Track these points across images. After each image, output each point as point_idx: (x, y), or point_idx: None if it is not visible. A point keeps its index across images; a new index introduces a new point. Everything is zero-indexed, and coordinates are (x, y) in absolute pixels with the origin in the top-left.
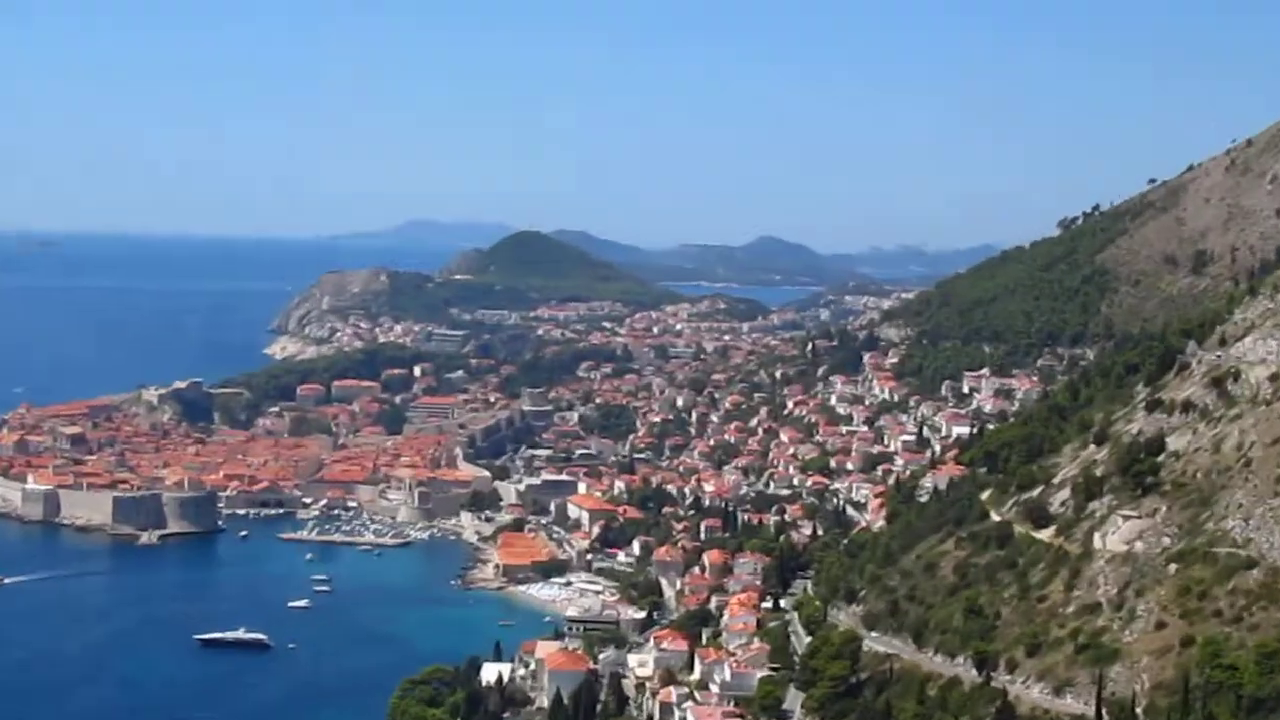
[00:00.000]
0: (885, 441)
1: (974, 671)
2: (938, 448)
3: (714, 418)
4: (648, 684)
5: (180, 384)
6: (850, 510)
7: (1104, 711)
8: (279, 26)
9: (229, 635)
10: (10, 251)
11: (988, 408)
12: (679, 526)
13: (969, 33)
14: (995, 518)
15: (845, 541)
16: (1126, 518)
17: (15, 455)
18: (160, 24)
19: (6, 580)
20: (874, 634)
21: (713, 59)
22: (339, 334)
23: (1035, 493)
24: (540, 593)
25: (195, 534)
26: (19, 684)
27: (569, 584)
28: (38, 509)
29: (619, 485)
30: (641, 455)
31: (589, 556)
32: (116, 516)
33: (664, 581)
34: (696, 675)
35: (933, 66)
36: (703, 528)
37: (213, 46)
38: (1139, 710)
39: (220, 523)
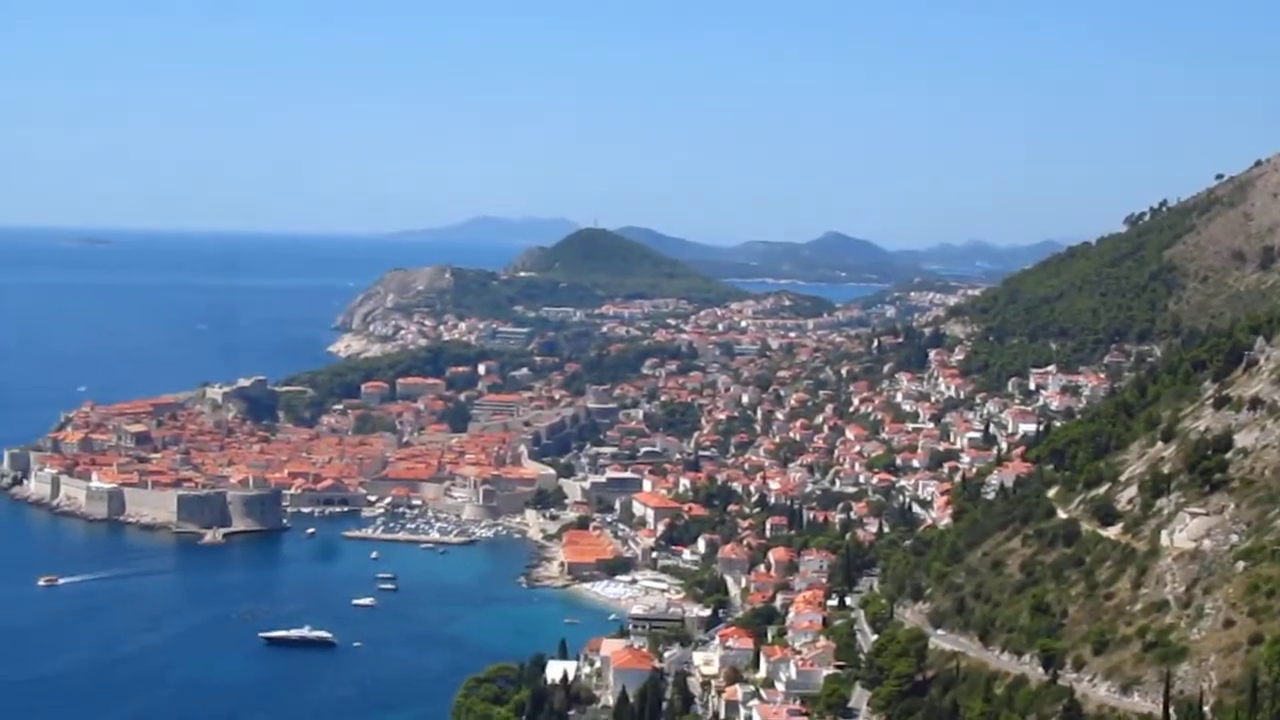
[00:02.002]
0: (951, 439)
1: (1041, 670)
2: (1004, 445)
3: (779, 415)
4: (713, 682)
5: (244, 382)
6: (916, 508)
7: (1172, 710)
8: (347, 21)
9: (294, 634)
10: (60, 249)
11: (1054, 405)
12: (744, 524)
13: (1035, 30)
14: (1062, 515)
15: (911, 539)
16: (1194, 515)
17: (80, 453)
18: (222, 16)
19: (62, 580)
20: (940, 632)
21: (781, 58)
22: (403, 331)
23: (1102, 490)
24: (605, 591)
25: (260, 532)
26: (84, 684)
27: (634, 582)
28: (102, 507)
29: (684, 483)
30: (707, 453)
31: (654, 554)
32: (181, 515)
33: (729, 579)
34: (762, 673)
35: (998, 63)
36: (768, 525)
37: (276, 41)
38: (1207, 709)
39: (285, 521)
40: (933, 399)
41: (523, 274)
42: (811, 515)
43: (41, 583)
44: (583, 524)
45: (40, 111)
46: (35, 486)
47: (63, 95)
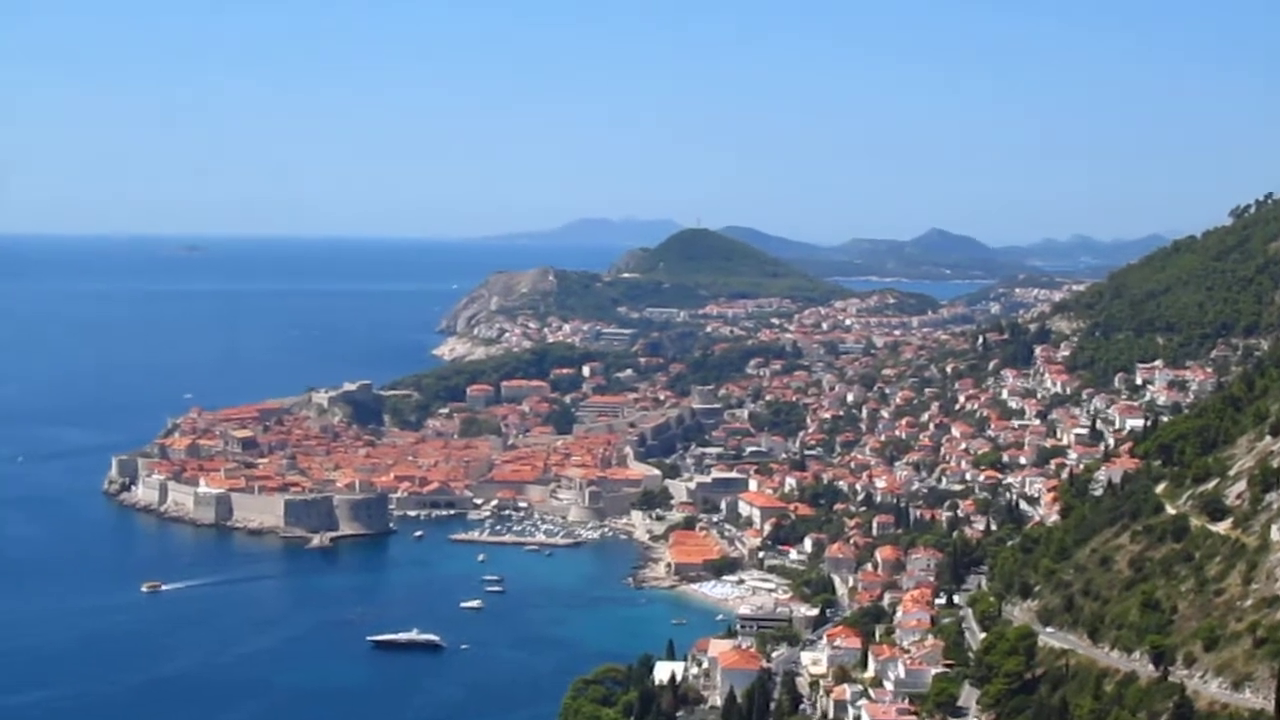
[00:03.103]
0: (1058, 435)
1: (1151, 666)
2: (1111, 441)
3: (884, 413)
4: (821, 682)
5: (350, 386)
6: (1023, 505)
7: None
8: (442, 17)
9: (402, 637)
10: (157, 256)
11: (1161, 400)
12: (851, 523)
13: (1135, 27)
14: (1170, 511)
15: (1019, 536)
16: None
17: (187, 459)
18: (328, 15)
19: (165, 586)
20: (1049, 629)
21: (882, 55)
22: (507, 334)
23: (1211, 485)
24: (712, 591)
25: (366, 536)
26: (193, 688)
27: (741, 582)
28: (210, 512)
29: (790, 482)
30: (812, 452)
31: (760, 554)
32: (288, 519)
33: (836, 578)
34: (870, 672)
35: (1101, 58)
36: (874, 524)
37: (372, 42)
38: None
39: (391, 524)
40: (1039, 395)
41: (626, 275)
42: (918, 513)
43: (144, 589)
44: (689, 524)
45: (129, 117)
46: (143, 492)
47: (153, 99)
